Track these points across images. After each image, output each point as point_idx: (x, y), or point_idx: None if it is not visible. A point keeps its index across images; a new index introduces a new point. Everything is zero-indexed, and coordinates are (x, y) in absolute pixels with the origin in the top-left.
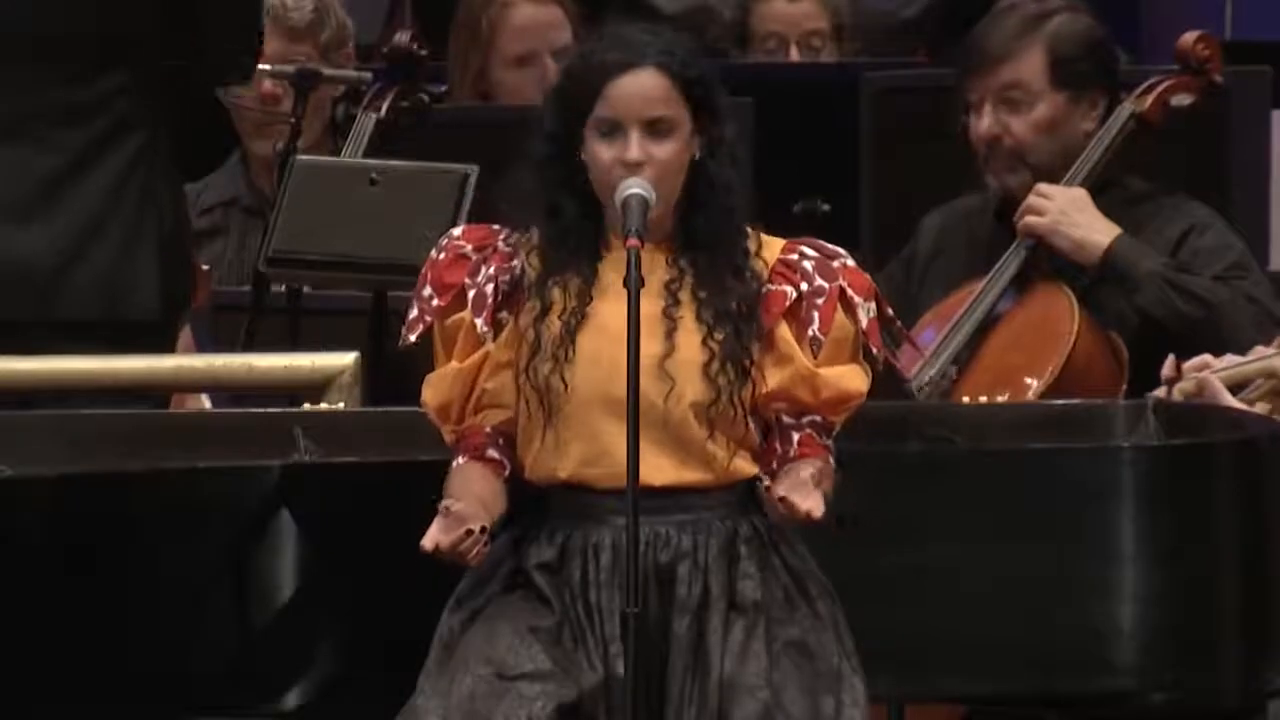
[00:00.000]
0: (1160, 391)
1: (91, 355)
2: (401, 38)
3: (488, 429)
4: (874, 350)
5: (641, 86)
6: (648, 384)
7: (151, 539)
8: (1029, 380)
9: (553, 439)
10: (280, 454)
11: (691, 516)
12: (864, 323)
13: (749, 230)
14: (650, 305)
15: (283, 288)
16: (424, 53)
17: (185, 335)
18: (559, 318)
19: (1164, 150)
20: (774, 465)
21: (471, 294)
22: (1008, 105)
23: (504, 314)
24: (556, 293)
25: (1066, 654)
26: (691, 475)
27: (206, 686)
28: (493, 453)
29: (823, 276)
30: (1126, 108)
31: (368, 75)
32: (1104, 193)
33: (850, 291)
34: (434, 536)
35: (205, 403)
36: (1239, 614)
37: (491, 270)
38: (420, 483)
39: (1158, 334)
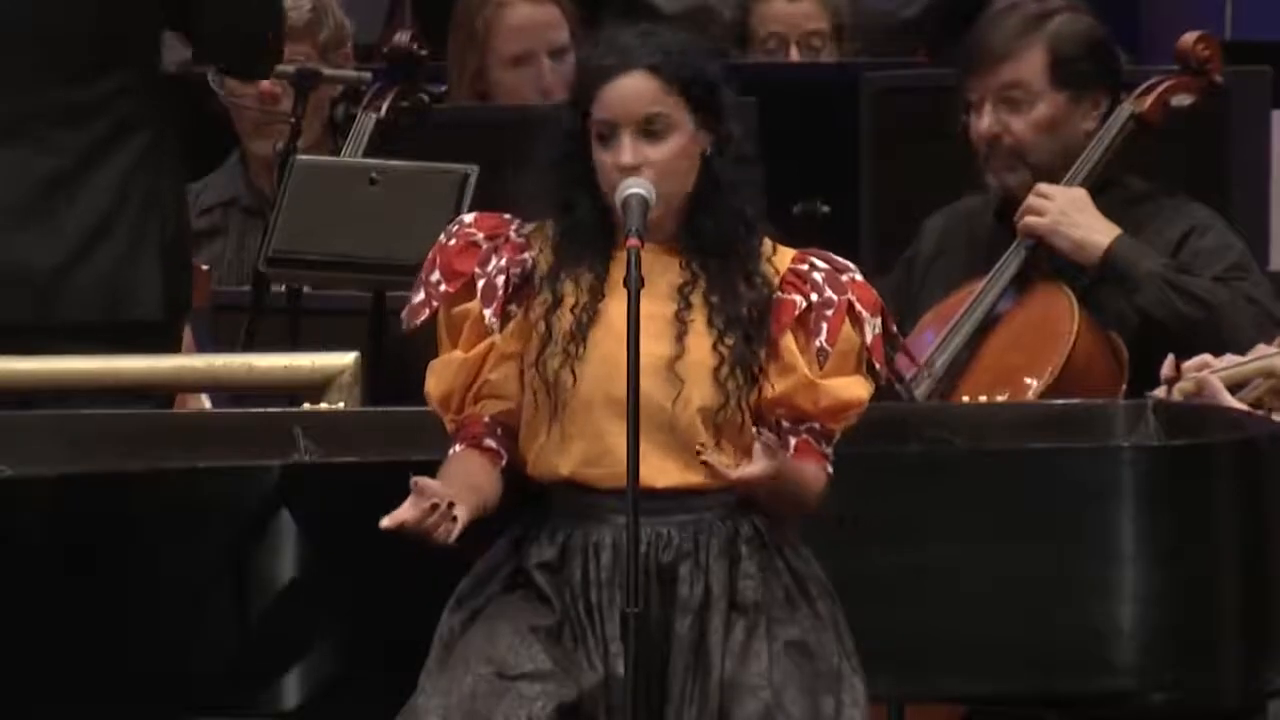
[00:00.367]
0: (1160, 391)
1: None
2: (401, 38)
3: (486, 418)
4: (878, 366)
5: (631, 90)
6: (656, 386)
7: (151, 539)
8: (1029, 380)
9: (557, 435)
10: (280, 454)
11: (693, 517)
12: (869, 338)
13: (760, 231)
14: (662, 307)
15: (283, 288)
16: (424, 53)
17: (186, 335)
18: (571, 312)
19: (1164, 150)
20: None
21: (481, 284)
22: (1008, 105)
23: (513, 306)
24: (569, 286)
25: (1066, 654)
26: (695, 478)
27: (206, 686)
28: (490, 442)
29: (832, 289)
30: (1126, 108)
31: (367, 75)
32: (1104, 193)
33: (859, 306)
34: (397, 514)
35: (205, 403)
36: (1239, 614)
37: (503, 261)
38: None
39: (1158, 334)
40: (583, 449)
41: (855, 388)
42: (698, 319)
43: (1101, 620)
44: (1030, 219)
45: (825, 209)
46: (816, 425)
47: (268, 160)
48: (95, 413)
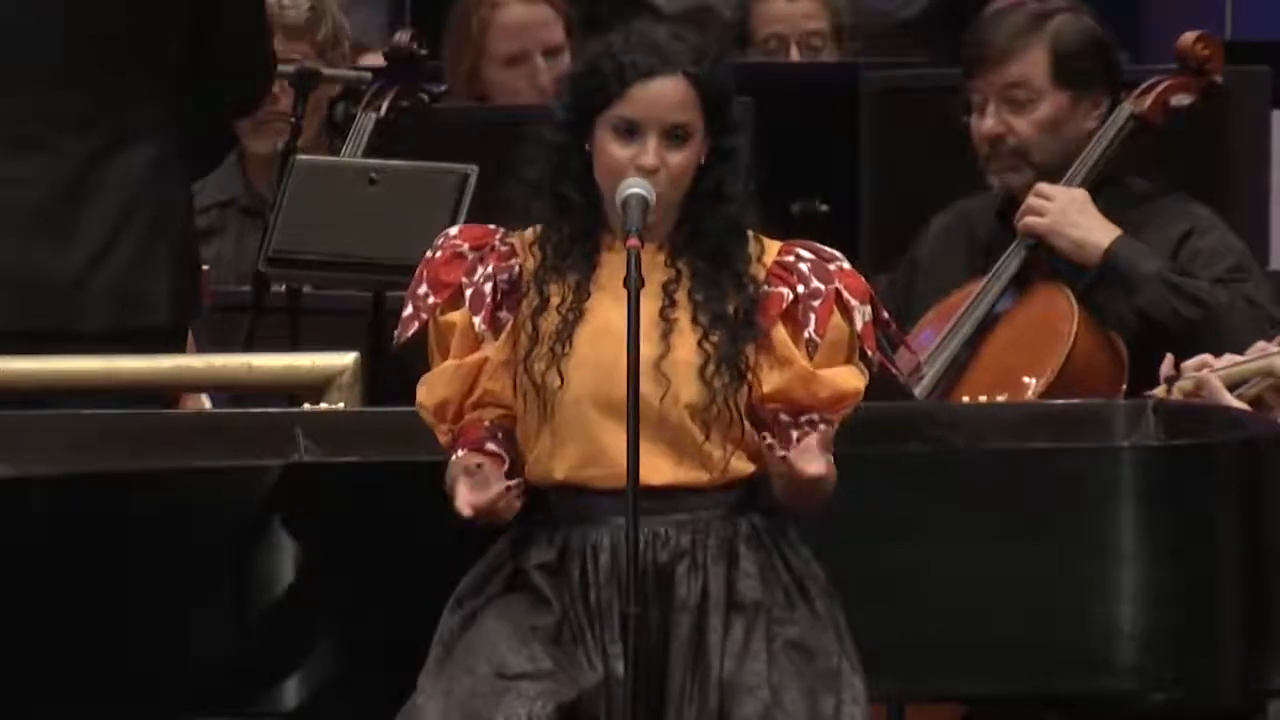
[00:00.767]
0: (1159, 390)
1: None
2: (401, 37)
3: (486, 423)
4: (869, 353)
5: (666, 93)
6: (644, 384)
7: (151, 539)
8: (1028, 380)
9: (550, 440)
10: (280, 454)
11: (690, 516)
12: (859, 326)
13: (752, 236)
14: (647, 306)
15: (283, 288)
16: (424, 53)
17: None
18: (557, 311)
19: (1164, 150)
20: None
21: (469, 293)
22: (1010, 104)
23: (503, 313)
24: (555, 286)
25: (1066, 654)
26: (688, 475)
27: (206, 686)
28: (492, 446)
29: (819, 279)
30: (1126, 108)
31: (367, 75)
32: (1104, 192)
33: (846, 294)
34: (467, 500)
35: (205, 403)
36: (1239, 614)
37: (489, 269)
38: (420, 483)
39: (1157, 335)
40: (577, 451)
41: (852, 378)
42: (682, 317)
43: (1101, 620)
44: (1030, 219)
45: (825, 209)
46: (815, 417)
47: (266, 160)
48: (95, 413)
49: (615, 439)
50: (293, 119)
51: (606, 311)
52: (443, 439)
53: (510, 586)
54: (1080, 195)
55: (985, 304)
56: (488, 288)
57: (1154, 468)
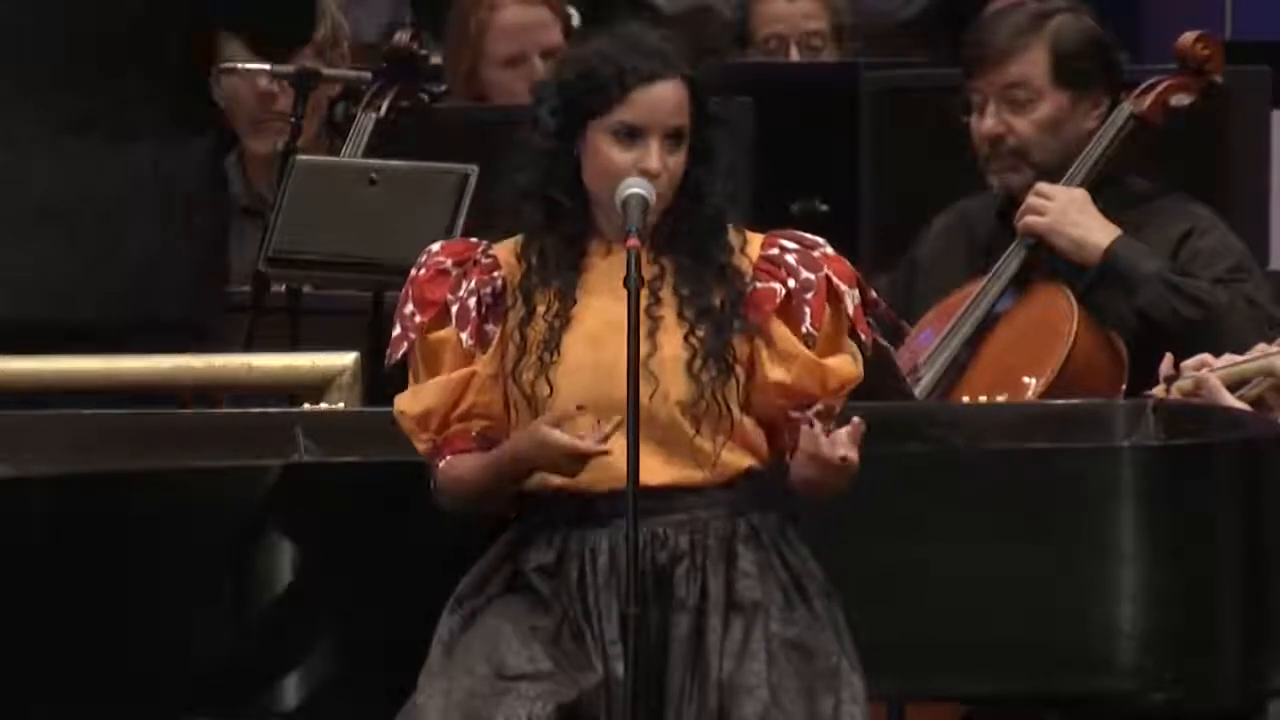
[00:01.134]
0: (1158, 390)
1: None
2: (401, 37)
3: (473, 433)
4: (862, 336)
5: (668, 97)
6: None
7: (151, 539)
8: (1028, 380)
9: None
10: (280, 454)
11: (688, 517)
12: (850, 310)
13: (733, 228)
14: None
15: (283, 288)
16: (424, 53)
17: None
18: (544, 319)
19: (1164, 150)
20: (789, 458)
21: (455, 309)
22: (1011, 104)
23: (489, 326)
24: (540, 294)
25: (1066, 654)
26: (682, 473)
27: (206, 686)
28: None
29: (808, 268)
30: (1126, 108)
31: (367, 75)
32: (1104, 192)
33: (836, 280)
34: (585, 446)
35: None
36: (1239, 614)
37: (472, 284)
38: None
39: (1157, 335)
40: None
41: (851, 363)
42: (667, 314)
43: (1101, 620)
44: (1030, 218)
45: (824, 208)
46: (820, 407)
47: (266, 160)
48: (95, 413)
49: (611, 442)
50: (293, 119)
51: (595, 315)
52: (422, 447)
53: (510, 587)
54: (1080, 195)
55: (985, 304)
56: (472, 303)
57: (1154, 468)
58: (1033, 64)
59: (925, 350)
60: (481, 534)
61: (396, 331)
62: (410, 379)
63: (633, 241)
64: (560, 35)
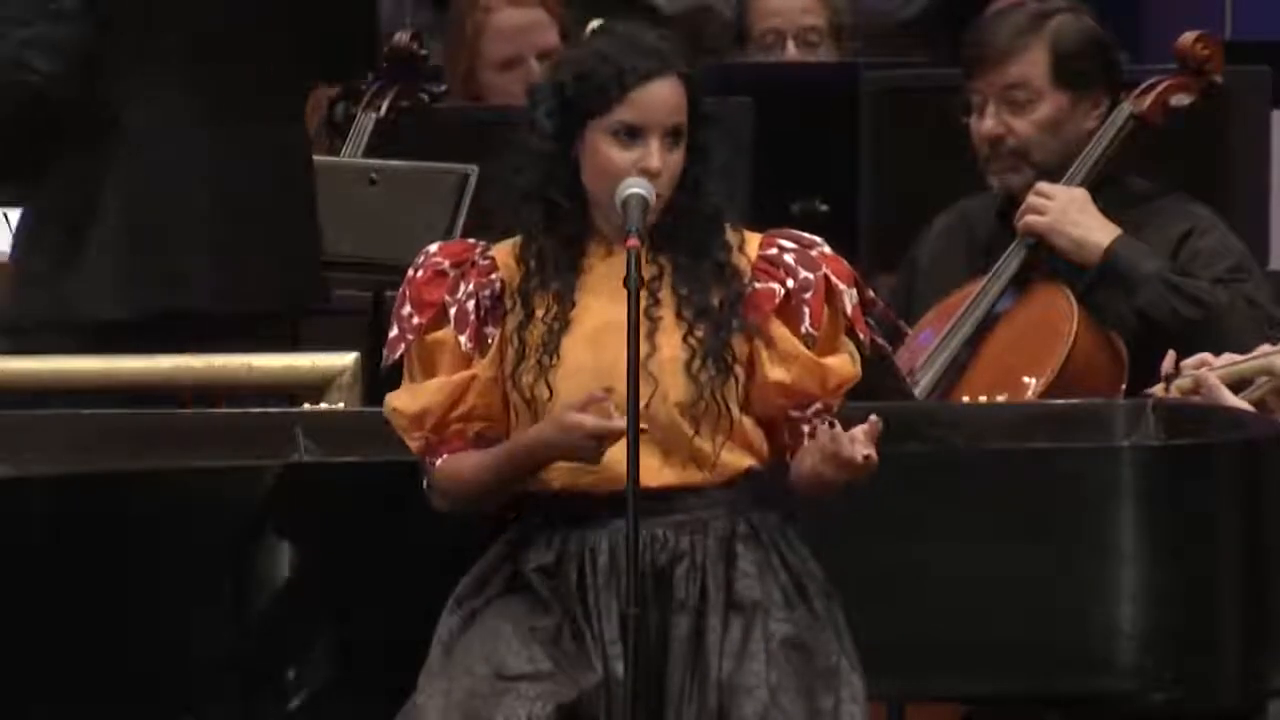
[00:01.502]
0: (1158, 388)
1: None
2: (401, 37)
3: (471, 434)
4: (860, 336)
5: (667, 96)
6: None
7: (151, 539)
8: (1028, 380)
9: None
10: (280, 454)
11: (688, 517)
12: (849, 309)
13: (730, 228)
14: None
15: None
16: (424, 53)
17: None
18: (542, 321)
19: (1164, 150)
20: (789, 458)
21: (453, 311)
22: (1010, 105)
23: (489, 329)
24: (539, 297)
25: (1066, 654)
26: (682, 474)
27: (206, 686)
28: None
29: (806, 268)
30: (1125, 108)
31: (367, 75)
32: (1104, 192)
33: (834, 279)
34: (606, 428)
35: None
36: (1239, 614)
37: (470, 286)
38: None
39: (1157, 334)
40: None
41: (850, 362)
42: (666, 315)
43: (1101, 620)
44: (1030, 218)
45: (825, 209)
46: (819, 406)
47: None
48: (95, 413)
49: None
50: None
51: (594, 317)
52: (414, 445)
53: (509, 588)
54: (1080, 194)
55: (985, 304)
56: (470, 305)
57: (1154, 468)
58: (1032, 65)
59: (925, 350)
60: (481, 534)
61: (393, 332)
62: (405, 379)
63: (633, 241)
64: (556, 37)
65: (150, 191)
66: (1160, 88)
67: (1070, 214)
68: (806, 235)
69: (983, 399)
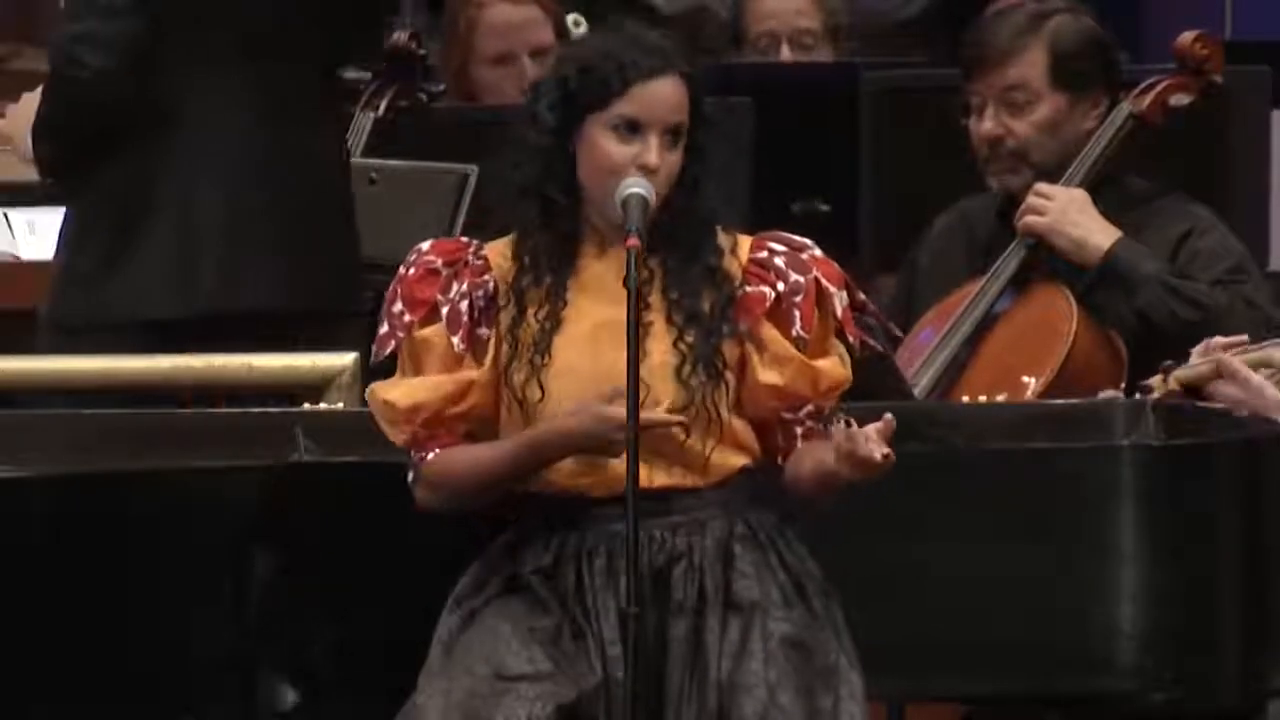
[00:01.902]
0: (1155, 380)
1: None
2: (400, 37)
3: (461, 432)
4: (850, 338)
5: (669, 93)
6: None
7: (151, 539)
8: (1028, 379)
9: None
10: (280, 454)
11: (685, 518)
12: (839, 311)
13: (723, 231)
14: (619, 308)
15: None
16: (422, 52)
17: None
18: (535, 319)
19: (1164, 150)
20: (780, 460)
21: (445, 310)
22: (1009, 107)
23: (482, 330)
24: (532, 294)
25: (1066, 654)
26: (676, 478)
27: (206, 686)
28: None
29: (796, 271)
30: (1124, 107)
31: (366, 75)
32: (1103, 193)
33: (825, 283)
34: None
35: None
36: (1239, 614)
37: (464, 286)
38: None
39: (1156, 335)
40: (570, 462)
41: (841, 365)
42: (656, 319)
43: (1101, 620)
44: (1030, 218)
45: (825, 209)
46: (812, 408)
47: None
48: (95, 413)
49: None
50: None
51: (587, 317)
52: (400, 438)
53: (508, 588)
54: (1080, 195)
55: (984, 303)
56: (464, 306)
57: (1154, 468)
58: (1030, 66)
59: (924, 350)
60: (480, 534)
61: (384, 329)
62: (395, 375)
63: (633, 241)
64: (551, 35)
65: (203, 190)
66: (1159, 87)
67: (1070, 214)
68: (797, 238)
69: (982, 399)
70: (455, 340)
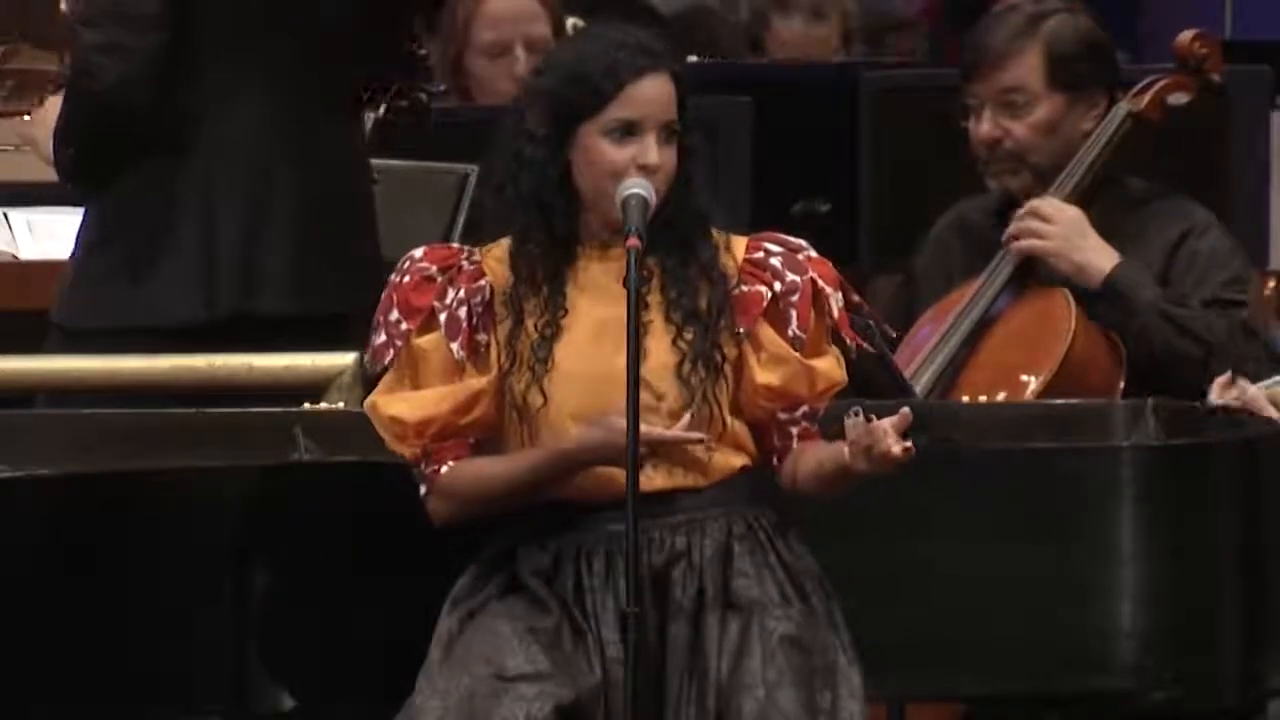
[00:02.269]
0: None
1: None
2: None
3: (470, 440)
4: (847, 340)
5: (661, 91)
6: (624, 394)
7: (151, 539)
8: (1027, 378)
9: None
10: (280, 454)
11: (685, 518)
12: (835, 312)
13: (715, 230)
14: (619, 310)
15: None
16: (423, 52)
17: None
18: (534, 327)
19: (1164, 150)
20: (775, 460)
21: (443, 317)
22: (1007, 108)
23: (481, 335)
24: (530, 302)
25: (1066, 654)
26: (676, 479)
27: (206, 686)
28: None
29: (793, 271)
30: (1123, 107)
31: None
32: (1103, 193)
33: (821, 283)
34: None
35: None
36: (1239, 614)
37: (460, 292)
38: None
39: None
40: None
41: (837, 365)
42: (655, 319)
43: (1101, 620)
44: (1031, 242)
45: (825, 209)
46: (807, 409)
47: None
48: (95, 412)
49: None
50: None
51: (587, 322)
52: (409, 452)
53: (508, 589)
54: (1079, 216)
55: (984, 302)
56: (462, 312)
57: (1154, 468)
58: (1028, 68)
59: (924, 348)
60: (478, 534)
61: (380, 339)
62: (392, 384)
63: (633, 241)
64: (548, 29)
65: (224, 196)
66: (1157, 86)
67: (1074, 239)
68: (793, 239)
69: (982, 398)
70: (455, 347)
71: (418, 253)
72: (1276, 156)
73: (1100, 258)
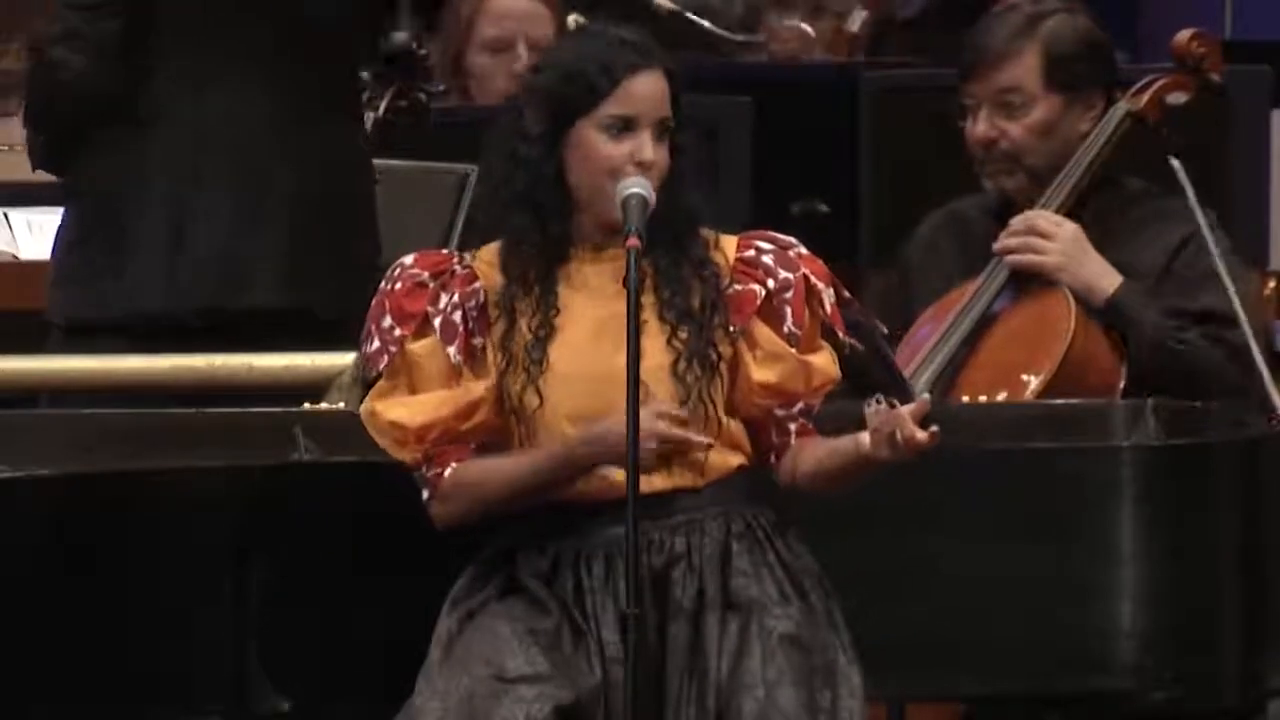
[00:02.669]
0: None
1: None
2: (400, 37)
3: (471, 445)
4: (840, 335)
5: (656, 87)
6: (620, 395)
7: (151, 539)
8: (1027, 377)
9: None
10: (280, 454)
11: (684, 518)
12: (828, 308)
13: (702, 229)
14: (614, 310)
15: None
16: (423, 52)
17: None
18: (528, 328)
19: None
20: (773, 458)
21: (437, 322)
22: (1004, 109)
23: (478, 339)
24: (524, 303)
25: (1066, 654)
26: (673, 478)
27: (206, 686)
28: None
29: (785, 268)
30: (1121, 106)
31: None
32: (1102, 193)
33: (813, 279)
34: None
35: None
36: (1239, 614)
37: (455, 297)
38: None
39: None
40: None
41: (831, 362)
42: (649, 318)
43: (1101, 620)
44: (1032, 257)
45: (825, 209)
46: (803, 405)
47: None
48: (95, 412)
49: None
50: None
51: (582, 322)
52: (410, 457)
53: (507, 589)
54: (1079, 233)
55: (983, 302)
56: (457, 316)
57: (1154, 468)
58: (1025, 69)
59: (923, 347)
60: (478, 534)
61: (374, 345)
62: (388, 390)
63: (633, 240)
64: (551, 30)
65: (202, 188)
66: (1156, 86)
67: (1075, 255)
68: (782, 236)
69: (982, 397)
70: (451, 351)
71: (407, 260)
72: (1276, 156)
73: (1103, 278)
